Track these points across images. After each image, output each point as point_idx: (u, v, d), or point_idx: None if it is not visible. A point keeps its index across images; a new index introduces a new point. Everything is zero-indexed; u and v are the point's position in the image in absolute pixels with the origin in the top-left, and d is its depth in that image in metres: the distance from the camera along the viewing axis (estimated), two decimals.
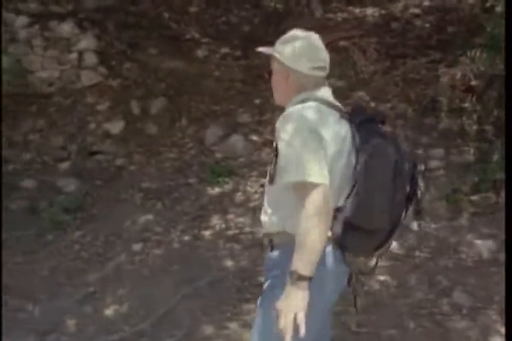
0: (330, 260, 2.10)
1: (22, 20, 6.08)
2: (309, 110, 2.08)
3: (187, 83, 5.85)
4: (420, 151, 4.98)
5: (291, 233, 2.04)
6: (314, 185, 1.95)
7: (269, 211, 2.17)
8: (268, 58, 2.26)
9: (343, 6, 6.89)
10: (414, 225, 4.44)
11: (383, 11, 6.63)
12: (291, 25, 6.66)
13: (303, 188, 1.96)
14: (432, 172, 4.77)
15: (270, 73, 2.24)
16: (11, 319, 4.02)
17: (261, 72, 5.47)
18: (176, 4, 6.74)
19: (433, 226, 4.47)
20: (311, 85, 2.16)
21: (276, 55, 2.18)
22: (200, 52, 6.19)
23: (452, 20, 6.09)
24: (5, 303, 4.18)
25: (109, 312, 3.90)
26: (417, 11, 6.50)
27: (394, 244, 4.32)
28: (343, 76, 5.82)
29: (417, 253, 4.26)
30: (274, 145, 2.12)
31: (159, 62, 6.04)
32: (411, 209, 2.21)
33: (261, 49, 2.26)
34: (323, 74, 2.18)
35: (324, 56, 2.17)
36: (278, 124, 2.09)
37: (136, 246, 4.36)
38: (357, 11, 6.76)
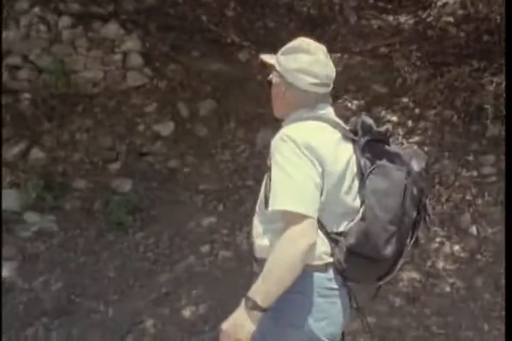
0: (334, 286, 1.98)
1: (65, 20, 6.07)
2: (309, 130, 1.94)
3: (232, 86, 5.89)
4: (471, 158, 5.10)
5: None
6: (298, 216, 1.82)
7: (262, 236, 2.01)
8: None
9: (376, 13, 6.99)
10: (474, 229, 4.57)
11: (417, 19, 6.74)
12: (327, 31, 6.77)
13: (286, 217, 1.84)
14: (485, 179, 4.88)
15: (270, 83, 2.07)
16: (84, 319, 4.04)
17: None
18: (213, 8, 6.76)
19: (490, 230, 4.59)
20: (311, 102, 2.02)
21: (277, 67, 2.03)
22: (242, 56, 6.24)
23: (488, 29, 6.20)
24: (74, 303, 4.20)
25: (186, 313, 3.93)
26: (449, 19, 6.62)
27: (456, 248, 4.45)
28: (386, 82, 5.92)
29: (479, 256, 4.38)
30: (269, 165, 1.96)
31: (203, 65, 6.07)
32: (415, 237, 2.04)
33: (263, 56, 2.12)
34: (324, 90, 2.03)
35: (328, 72, 2.03)
36: (273, 143, 1.93)
37: (204, 248, 4.39)
38: (390, 18, 6.86)
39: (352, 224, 1.95)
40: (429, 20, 6.65)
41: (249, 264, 4.16)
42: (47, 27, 6.07)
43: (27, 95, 5.83)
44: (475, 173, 4.94)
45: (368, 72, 6.08)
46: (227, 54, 6.26)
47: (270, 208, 1.87)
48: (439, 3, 6.86)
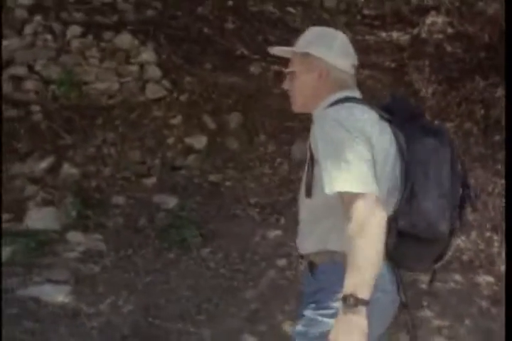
0: (386, 281, 1.87)
1: (73, 30, 5.75)
2: (353, 111, 1.90)
3: (252, 99, 5.83)
4: (499, 167, 5.35)
5: (334, 251, 1.88)
6: (363, 195, 1.74)
7: (308, 228, 1.98)
8: None
9: (367, 30, 7.19)
10: None
11: (409, 35, 7.02)
12: None
13: (349, 199, 1.75)
14: None
15: (292, 75, 2.06)
16: None
17: None
18: (212, 20, 6.68)
19: None
20: (349, 84, 2.03)
21: (314, 52, 2.01)
22: (254, 69, 6.19)
23: (482, 46, 6.56)
24: (154, 325, 3.94)
25: (287, 328, 3.80)
26: (441, 36, 6.94)
27: None
28: None
29: None
30: (309, 153, 1.93)
31: (215, 78, 5.96)
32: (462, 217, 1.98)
33: (285, 48, 2.10)
34: (354, 72, 2.07)
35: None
36: (317, 126, 1.89)
37: (281, 262, 4.28)
38: (383, 34, 7.09)
39: (399, 203, 1.83)
40: (423, 36, 6.95)
41: None
42: (52, 36, 5.72)
43: (36, 107, 5.44)
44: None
45: (379, 85, 6.22)
46: (239, 67, 6.19)
47: (328, 191, 1.77)
48: (428, 22, 7.19)
